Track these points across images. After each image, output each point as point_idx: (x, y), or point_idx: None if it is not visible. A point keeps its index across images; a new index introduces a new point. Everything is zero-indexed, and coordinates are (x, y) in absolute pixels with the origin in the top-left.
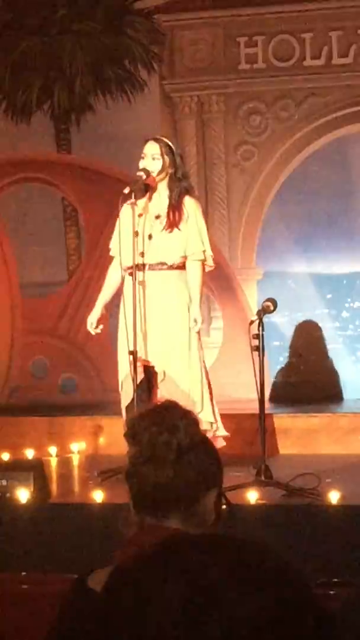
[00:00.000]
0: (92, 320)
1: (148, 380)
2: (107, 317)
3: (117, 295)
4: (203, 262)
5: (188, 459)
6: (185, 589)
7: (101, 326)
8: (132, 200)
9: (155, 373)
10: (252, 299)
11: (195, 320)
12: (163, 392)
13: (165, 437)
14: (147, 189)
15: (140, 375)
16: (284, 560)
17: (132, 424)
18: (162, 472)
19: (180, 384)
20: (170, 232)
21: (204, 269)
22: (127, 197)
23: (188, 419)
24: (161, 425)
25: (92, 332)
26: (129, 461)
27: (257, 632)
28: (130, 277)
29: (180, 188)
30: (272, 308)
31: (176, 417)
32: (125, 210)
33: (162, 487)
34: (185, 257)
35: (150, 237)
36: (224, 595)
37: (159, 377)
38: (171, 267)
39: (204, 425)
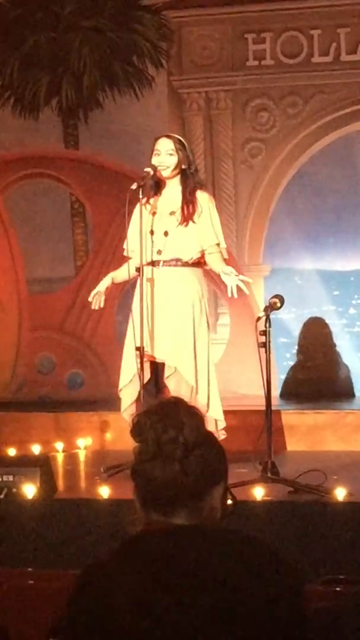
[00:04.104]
0: (101, 289)
1: (156, 376)
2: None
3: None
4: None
5: (194, 456)
6: (143, 580)
7: (103, 297)
8: (141, 196)
9: (163, 369)
10: (259, 296)
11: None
12: (171, 387)
13: (171, 434)
14: (158, 185)
15: (147, 373)
16: (264, 549)
17: (137, 420)
18: (168, 469)
19: (189, 380)
20: (186, 226)
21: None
22: (134, 193)
23: (193, 415)
24: (167, 422)
25: (95, 304)
26: (135, 458)
27: (215, 623)
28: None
29: (193, 183)
30: (279, 305)
31: (182, 414)
32: (138, 210)
33: (168, 484)
34: (202, 252)
35: (166, 233)
36: (181, 586)
37: (168, 371)
38: (186, 264)
39: (210, 424)
